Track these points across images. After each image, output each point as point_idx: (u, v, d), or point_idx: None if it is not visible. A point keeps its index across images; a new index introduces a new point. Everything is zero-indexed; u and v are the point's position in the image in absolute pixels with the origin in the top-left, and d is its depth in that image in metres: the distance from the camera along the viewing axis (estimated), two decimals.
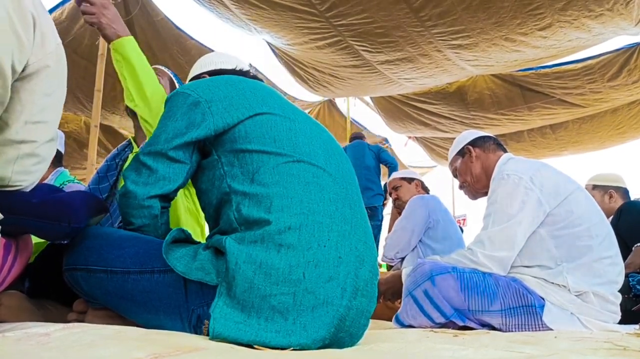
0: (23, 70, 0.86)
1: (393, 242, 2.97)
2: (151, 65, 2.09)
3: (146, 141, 1.21)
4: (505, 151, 1.97)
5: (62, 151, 2.49)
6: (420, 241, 2.94)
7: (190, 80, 1.57)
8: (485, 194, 1.92)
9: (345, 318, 0.95)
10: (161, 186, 1.11)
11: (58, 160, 2.36)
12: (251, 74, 1.48)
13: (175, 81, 1.96)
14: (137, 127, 1.87)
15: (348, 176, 1.12)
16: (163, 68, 1.98)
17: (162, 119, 1.16)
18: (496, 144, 1.98)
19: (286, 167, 1.02)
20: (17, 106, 0.89)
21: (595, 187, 3.01)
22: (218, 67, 1.54)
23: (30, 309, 1.20)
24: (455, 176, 2.08)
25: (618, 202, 2.91)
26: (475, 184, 1.97)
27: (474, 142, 1.99)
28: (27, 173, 0.95)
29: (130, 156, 1.88)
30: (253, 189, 1.00)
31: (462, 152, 2.01)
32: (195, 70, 1.60)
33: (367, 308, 1.02)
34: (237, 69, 1.51)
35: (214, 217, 1.10)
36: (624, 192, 2.98)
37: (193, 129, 1.10)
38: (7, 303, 1.18)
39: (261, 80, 1.38)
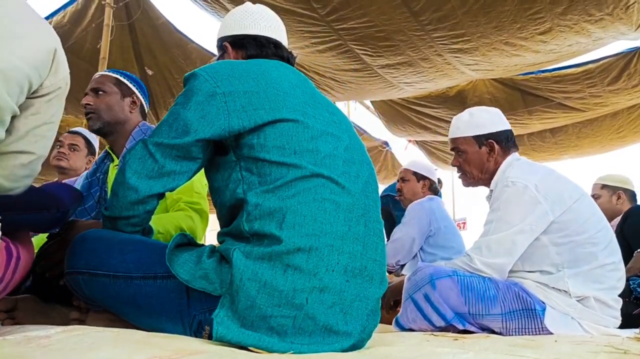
0: (36, 91, 0.93)
1: (394, 250, 2.95)
2: (152, 68, 2.04)
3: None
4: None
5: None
6: (420, 248, 2.94)
7: (218, 40, 1.37)
8: (482, 185, 1.90)
9: (358, 346, 0.99)
10: (164, 184, 1.05)
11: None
12: (273, 43, 1.29)
13: (131, 86, 1.79)
14: (113, 141, 1.77)
15: (367, 188, 1.09)
16: (110, 73, 1.80)
17: (178, 102, 1.08)
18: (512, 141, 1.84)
19: (304, 182, 0.99)
20: (28, 118, 0.93)
21: (604, 186, 3.01)
22: (242, 32, 1.29)
23: (45, 312, 1.20)
24: (453, 150, 1.89)
25: (625, 204, 2.91)
26: (474, 174, 1.86)
27: (497, 137, 1.81)
28: (18, 182, 0.98)
29: (111, 168, 1.77)
30: (267, 202, 0.97)
31: (480, 141, 1.82)
32: (220, 31, 1.37)
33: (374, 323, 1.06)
34: (261, 34, 1.28)
35: (226, 217, 1.08)
36: (632, 195, 2.99)
37: (205, 125, 1.03)
38: (23, 307, 1.19)
39: (288, 54, 1.28)
